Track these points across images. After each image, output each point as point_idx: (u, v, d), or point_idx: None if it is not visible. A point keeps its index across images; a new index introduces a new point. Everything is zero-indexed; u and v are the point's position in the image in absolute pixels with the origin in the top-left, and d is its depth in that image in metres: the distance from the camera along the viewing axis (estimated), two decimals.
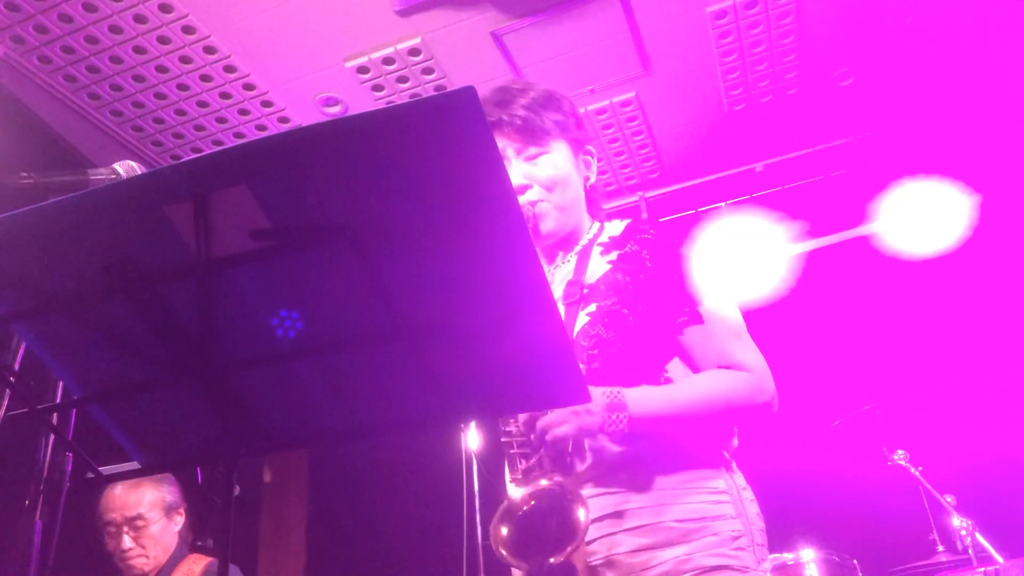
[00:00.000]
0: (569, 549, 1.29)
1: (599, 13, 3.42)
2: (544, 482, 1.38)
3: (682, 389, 1.51)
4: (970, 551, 3.18)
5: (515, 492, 1.39)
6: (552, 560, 1.28)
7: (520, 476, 1.41)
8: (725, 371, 1.52)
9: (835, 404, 3.85)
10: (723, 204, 4.57)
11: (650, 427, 1.45)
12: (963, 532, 3.22)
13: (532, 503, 1.35)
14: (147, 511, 2.80)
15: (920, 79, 4.01)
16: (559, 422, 1.38)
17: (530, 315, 0.88)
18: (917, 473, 3.50)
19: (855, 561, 3.21)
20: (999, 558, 3.08)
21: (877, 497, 3.80)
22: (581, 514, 1.30)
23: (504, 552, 1.34)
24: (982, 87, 4.10)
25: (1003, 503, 3.65)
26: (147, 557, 2.79)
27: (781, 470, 3.58)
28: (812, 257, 4.51)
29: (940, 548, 3.37)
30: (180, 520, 2.92)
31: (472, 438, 3.34)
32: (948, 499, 3.37)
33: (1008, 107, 4.19)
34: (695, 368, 1.57)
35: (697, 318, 1.55)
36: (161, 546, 2.82)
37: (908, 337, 4.20)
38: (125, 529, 2.78)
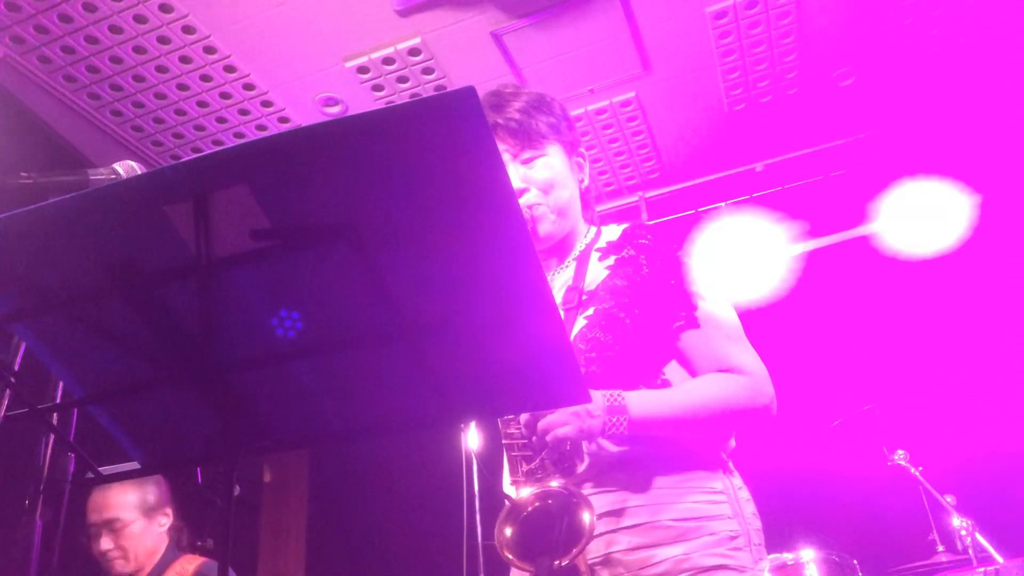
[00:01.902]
0: (575, 551, 1.29)
1: (599, 13, 3.42)
2: (552, 484, 1.38)
3: (681, 393, 1.52)
4: (970, 551, 3.18)
5: (519, 493, 1.39)
6: (557, 563, 1.28)
7: (522, 478, 1.41)
8: (723, 375, 1.52)
9: (835, 404, 3.85)
10: (723, 204, 4.56)
11: (649, 430, 1.46)
12: (963, 532, 3.22)
13: (536, 505, 1.35)
14: (123, 513, 2.79)
15: (920, 79, 4.01)
16: (560, 423, 1.38)
17: (530, 315, 0.88)
18: (917, 473, 3.50)
19: (855, 561, 3.20)
20: (999, 558, 3.08)
21: (877, 497, 3.80)
22: (586, 517, 1.31)
23: (508, 554, 1.34)
24: (982, 87, 4.10)
25: (1003, 503, 3.65)
26: (127, 559, 2.77)
27: (781, 470, 3.58)
28: (812, 257, 4.51)
29: (940, 548, 3.37)
30: (165, 521, 2.89)
31: (472, 438, 3.34)
32: (948, 499, 3.37)
33: (1008, 107, 4.19)
34: (693, 372, 1.57)
35: (694, 322, 1.55)
36: (142, 547, 2.80)
37: (908, 337, 4.20)
38: (104, 531, 2.78)
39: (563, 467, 1.47)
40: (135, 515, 2.81)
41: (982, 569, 3.00)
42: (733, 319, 1.61)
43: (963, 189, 4.25)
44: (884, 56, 3.83)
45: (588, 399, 0.98)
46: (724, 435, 1.60)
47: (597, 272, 1.65)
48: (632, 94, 3.92)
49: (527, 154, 1.69)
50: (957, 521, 3.27)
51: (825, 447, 3.81)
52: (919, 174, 4.30)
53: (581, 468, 1.50)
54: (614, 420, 1.41)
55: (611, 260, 1.64)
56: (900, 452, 3.57)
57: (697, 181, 4.58)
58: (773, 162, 4.47)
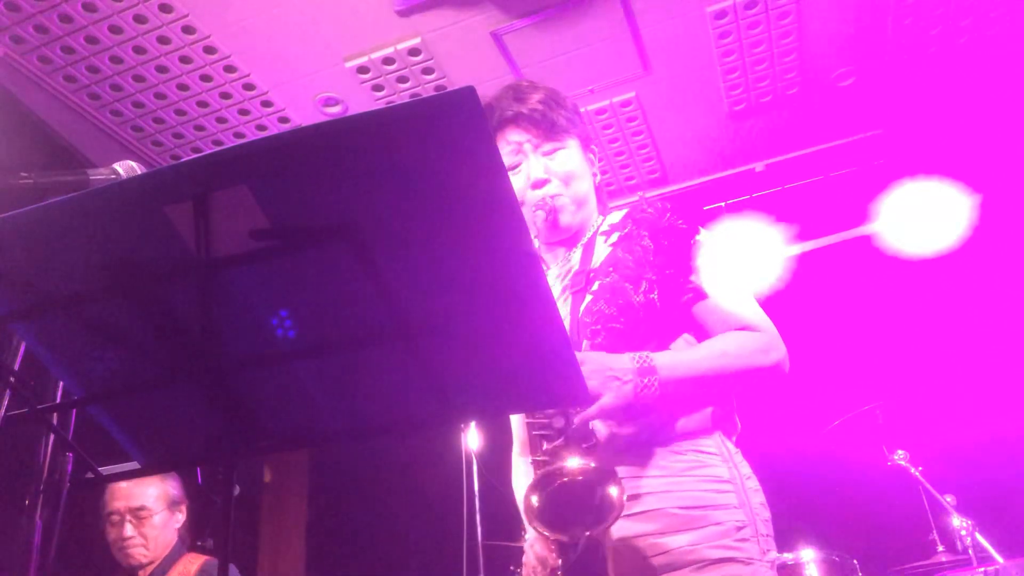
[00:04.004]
0: (605, 524, 1.29)
1: (599, 13, 3.42)
2: (576, 460, 1.36)
3: (704, 350, 1.53)
4: (970, 551, 3.18)
5: (545, 469, 1.37)
6: (588, 533, 1.28)
7: (544, 456, 1.39)
8: (740, 332, 1.54)
9: (835, 404, 3.85)
10: (723, 204, 4.57)
11: (677, 389, 1.46)
12: (963, 532, 3.22)
13: (568, 478, 1.34)
14: (151, 503, 2.86)
15: (920, 79, 4.00)
16: (597, 392, 1.37)
17: (530, 315, 0.88)
18: (917, 473, 3.50)
19: (855, 561, 3.20)
20: (999, 558, 3.08)
21: (877, 497, 3.80)
22: (615, 492, 1.30)
23: (536, 521, 1.33)
24: (982, 87, 4.10)
25: (1003, 503, 3.65)
26: (147, 548, 2.83)
27: (781, 470, 3.58)
28: (812, 257, 4.51)
29: (940, 548, 3.36)
30: (181, 517, 2.96)
31: (472, 438, 3.34)
32: (948, 499, 3.36)
33: (1008, 107, 4.19)
34: (704, 338, 1.58)
35: (701, 293, 1.57)
36: (162, 539, 2.86)
37: (908, 337, 4.20)
38: (128, 519, 2.83)
39: (586, 444, 1.45)
40: (160, 506, 2.88)
41: (982, 569, 2.99)
42: (738, 281, 1.63)
43: (963, 189, 4.25)
44: (884, 56, 3.83)
45: (588, 400, 0.98)
46: (727, 418, 1.60)
47: (602, 252, 1.67)
48: (632, 94, 3.92)
49: (548, 146, 1.72)
50: (957, 521, 3.26)
51: (825, 447, 3.81)
52: (919, 174, 4.30)
53: (599, 446, 1.49)
54: (645, 381, 1.41)
55: (615, 237, 1.66)
56: (900, 452, 3.57)
57: (697, 181, 4.58)
58: (773, 162, 4.47)
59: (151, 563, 2.84)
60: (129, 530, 2.82)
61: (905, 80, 4.00)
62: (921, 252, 4.27)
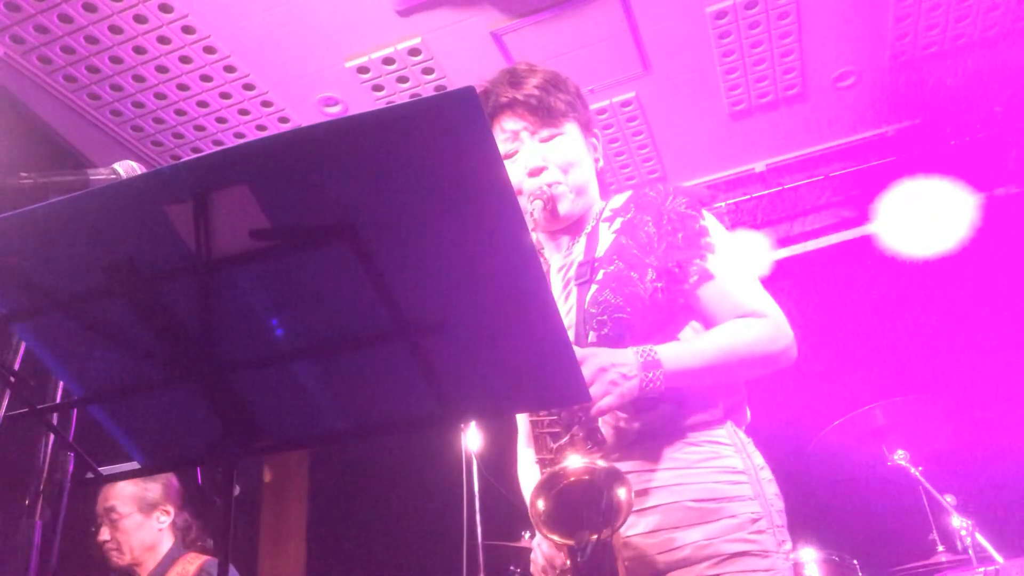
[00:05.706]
0: (616, 526, 1.26)
1: (599, 13, 3.42)
2: (580, 460, 1.32)
3: (709, 341, 1.50)
4: (970, 551, 3.17)
5: (550, 469, 1.34)
6: (596, 536, 1.25)
7: (551, 455, 1.36)
8: (745, 320, 1.50)
9: (835, 404, 3.85)
10: (723, 204, 4.57)
11: (683, 381, 1.43)
12: (963, 532, 3.22)
13: (574, 479, 1.30)
14: (120, 504, 2.84)
15: (920, 79, 4.01)
16: (600, 394, 1.34)
17: (530, 314, 0.88)
18: (917, 473, 3.49)
19: (855, 561, 3.20)
20: (999, 558, 3.07)
21: (877, 497, 3.80)
22: (623, 493, 1.27)
23: (541, 525, 1.30)
24: (983, 86, 4.10)
25: (1003, 503, 3.64)
26: (121, 551, 2.83)
27: (781, 470, 3.57)
28: (812, 257, 4.51)
29: (940, 548, 3.36)
30: (164, 519, 2.91)
31: (472, 438, 3.34)
32: (948, 499, 3.36)
33: (1008, 107, 4.19)
34: (711, 321, 1.55)
35: (707, 275, 1.53)
36: (138, 541, 2.84)
37: (909, 337, 4.20)
38: (104, 522, 2.85)
39: (593, 442, 1.41)
40: (131, 509, 2.86)
41: (982, 569, 2.99)
42: (744, 266, 1.59)
43: (964, 189, 4.25)
44: (884, 56, 3.83)
45: (588, 399, 0.98)
46: (737, 407, 1.57)
47: (606, 240, 1.62)
48: (632, 94, 3.92)
49: (545, 132, 1.66)
50: (957, 521, 3.26)
51: (825, 447, 3.81)
52: (919, 174, 4.30)
53: (608, 442, 1.46)
54: (650, 376, 1.38)
55: (617, 223, 1.62)
56: (900, 452, 3.57)
57: (697, 181, 4.58)
58: (773, 162, 4.47)
59: (139, 564, 2.83)
60: (104, 534, 2.83)
61: (905, 80, 4.00)
62: (921, 252, 4.27)
